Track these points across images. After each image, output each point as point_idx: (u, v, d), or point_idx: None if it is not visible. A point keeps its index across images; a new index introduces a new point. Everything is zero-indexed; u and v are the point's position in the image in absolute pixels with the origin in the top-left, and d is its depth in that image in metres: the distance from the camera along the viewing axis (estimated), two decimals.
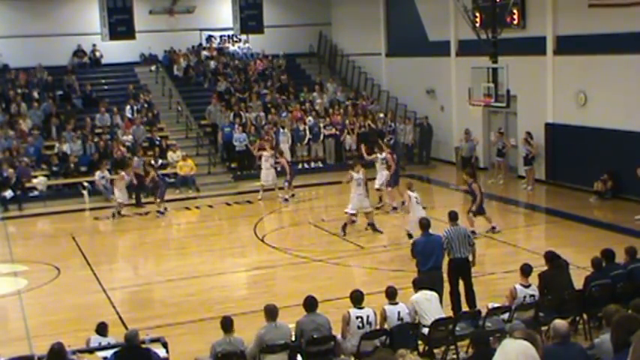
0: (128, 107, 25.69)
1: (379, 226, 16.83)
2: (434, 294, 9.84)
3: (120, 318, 12.10)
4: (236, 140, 24.18)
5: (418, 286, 9.96)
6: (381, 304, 9.52)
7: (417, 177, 23.07)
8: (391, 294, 9.54)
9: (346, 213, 16.63)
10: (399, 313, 9.31)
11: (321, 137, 25.36)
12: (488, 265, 13.89)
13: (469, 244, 11.32)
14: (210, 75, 28.73)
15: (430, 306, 9.54)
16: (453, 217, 11.68)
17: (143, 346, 8.50)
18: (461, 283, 11.33)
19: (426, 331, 9.36)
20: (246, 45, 30.59)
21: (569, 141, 20.67)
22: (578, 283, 10.56)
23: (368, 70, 29.89)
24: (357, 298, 9.26)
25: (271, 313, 8.84)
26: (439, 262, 11.16)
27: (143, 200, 21.16)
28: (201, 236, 17.86)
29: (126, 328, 10.83)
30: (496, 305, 10.05)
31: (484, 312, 9.82)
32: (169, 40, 29.48)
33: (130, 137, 24.06)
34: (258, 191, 21.36)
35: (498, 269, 13.69)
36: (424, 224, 11.42)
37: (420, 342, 9.45)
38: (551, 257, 10.64)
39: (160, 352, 8.73)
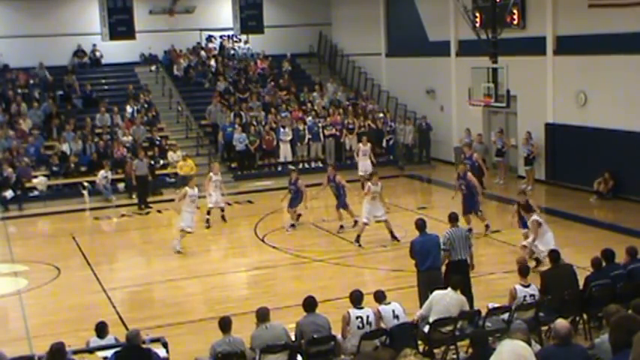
0: (128, 107, 25.70)
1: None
2: (456, 297, 9.71)
3: (120, 318, 12.10)
4: (236, 140, 24.20)
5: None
6: (378, 306, 9.55)
7: (417, 177, 23.09)
8: (379, 297, 9.55)
9: (364, 224, 15.96)
10: (393, 311, 9.33)
11: (322, 137, 25.37)
12: (488, 265, 13.90)
13: (468, 246, 11.34)
14: (211, 75, 28.74)
15: (443, 309, 9.51)
16: (453, 218, 11.69)
17: (143, 346, 8.51)
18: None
19: (426, 330, 9.39)
20: (247, 45, 30.60)
21: (569, 141, 20.66)
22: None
23: (368, 70, 29.89)
24: (356, 298, 9.26)
25: (262, 315, 8.84)
26: (437, 261, 11.18)
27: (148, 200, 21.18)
28: (201, 236, 17.86)
29: (126, 328, 10.83)
30: (496, 305, 10.06)
31: (484, 312, 9.82)
32: (169, 40, 29.50)
33: (130, 138, 24.04)
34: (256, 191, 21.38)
35: (498, 269, 13.69)
36: (420, 224, 11.46)
37: (420, 342, 9.45)
38: (554, 257, 10.64)
39: (160, 352, 8.73)
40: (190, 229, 16.25)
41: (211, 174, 18.68)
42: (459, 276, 10.35)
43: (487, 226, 16.38)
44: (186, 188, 16.34)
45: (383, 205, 16.16)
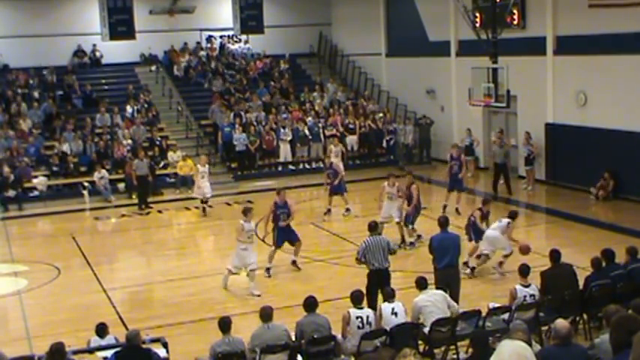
0: (128, 107, 25.69)
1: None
2: (437, 292, 9.82)
3: (120, 318, 12.11)
4: (236, 140, 24.19)
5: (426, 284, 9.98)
6: (381, 304, 9.57)
7: (417, 177, 23.04)
8: (388, 294, 9.65)
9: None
10: (392, 309, 9.39)
11: (322, 138, 25.35)
12: (489, 265, 13.88)
13: (389, 253, 11.29)
14: (211, 75, 28.74)
15: (435, 308, 9.51)
16: (372, 226, 11.63)
17: (143, 346, 8.51)
18: None
19: (426, 330, 9.39)
20: (247, 45, 30.60)
21: (569, 141, 20.66)
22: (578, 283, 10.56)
23: (368, 70, 29.90)
24: (356, 298, 9.28)
25: (265, 315, 8.87)
26: (455, 259, 11.24)
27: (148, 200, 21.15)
28: (201, 236, 17.83)
29: (126, 328, 10.83)
30: (496, 305, 10.07)
31: (484, 312, 9.82)
32: (169, 40, 29.49)
33: (130, 139, 24.02)
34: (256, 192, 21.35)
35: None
36: (442, 222, 11.53)
37: (420, 342, 9.45)
38: (555, 257, 10.64)
39: (161, 352, 8.73)
40: (235, 270, 13.48)
41: (198, 165, 19.92)
42: (421, 276, 10.23)
43: (445, 206, 18.14)
44: (241, 222, 13.49)
45: (400, 207, 15.83)
